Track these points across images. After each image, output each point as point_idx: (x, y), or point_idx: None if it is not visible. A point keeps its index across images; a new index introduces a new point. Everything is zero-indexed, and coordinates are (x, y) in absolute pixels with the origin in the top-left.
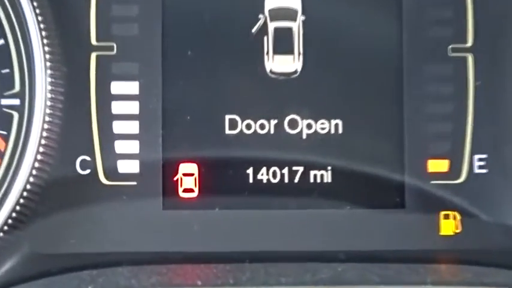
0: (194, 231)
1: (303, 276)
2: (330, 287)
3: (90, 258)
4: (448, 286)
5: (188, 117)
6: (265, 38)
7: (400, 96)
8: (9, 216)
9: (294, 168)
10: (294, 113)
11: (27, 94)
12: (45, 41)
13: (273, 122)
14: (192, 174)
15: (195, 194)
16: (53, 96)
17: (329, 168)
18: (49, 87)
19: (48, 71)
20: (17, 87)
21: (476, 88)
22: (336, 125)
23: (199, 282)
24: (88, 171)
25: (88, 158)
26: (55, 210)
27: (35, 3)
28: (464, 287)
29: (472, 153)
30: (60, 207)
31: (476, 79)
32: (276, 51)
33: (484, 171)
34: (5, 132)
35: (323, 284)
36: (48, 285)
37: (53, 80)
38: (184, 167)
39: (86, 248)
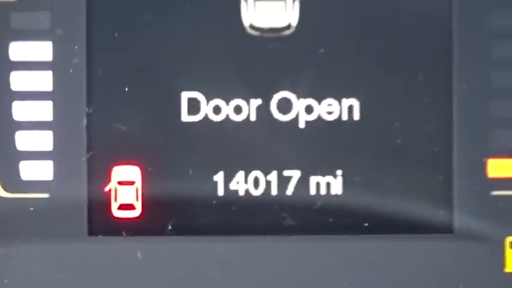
0: (134, 266)
1: None
2: None
3: None
4: None
5: (125, 94)
6: None
7: (448, 66)
8: None
9: (287, 173)
10: (286, 89)
11: None
12: None
13: (255, 102)
14: (132, 183)
15: (136, 213)
16: None
17: (339, 173)
18: None
19: None
20: None
21: None
22: (350, 108)
23: None
24: None
25: None
26: None
27: None
28: None
29: None
30: None
31: None
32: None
33: None
34: None
35: None
36: None
37: None
38: (121, 172)
39: None
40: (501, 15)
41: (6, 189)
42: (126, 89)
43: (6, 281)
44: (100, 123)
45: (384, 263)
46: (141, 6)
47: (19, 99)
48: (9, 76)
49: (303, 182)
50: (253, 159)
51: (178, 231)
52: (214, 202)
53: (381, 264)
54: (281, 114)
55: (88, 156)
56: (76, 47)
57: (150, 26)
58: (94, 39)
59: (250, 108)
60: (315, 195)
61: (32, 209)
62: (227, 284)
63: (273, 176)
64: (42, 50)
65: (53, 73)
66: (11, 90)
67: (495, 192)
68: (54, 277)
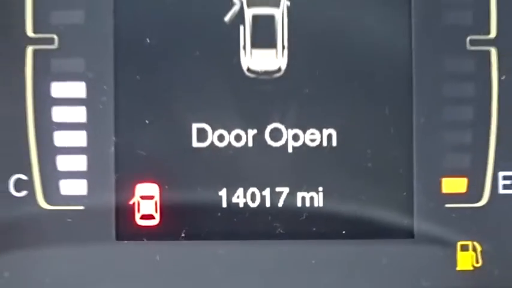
0: (154, 266)
1: None
2: None
3: None
4: None
5: (146, 126)
6: (242, 28)
7: (409, 101)
8: None
9: (278, 189)
10: (277, 121)
11: None
12: None
13: (252, 132)
14: (151, 197)
15: (155, 222)
16: None
17: (320, 189)
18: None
19: None
20: None
21: (500, 88)
22: (329, 136)
23: None
24: (24, 192)
25: (24, 177)
26: None
27: None
28: None
29: (496, 170)
30: None
31: (501, 76)
32: (255, 45)
33: (510, 191)
34: None
35: None
36: None
37: None
38: (143, 188)
39: (23, 283)
40: (451, 61)
41: (48, 202)
42: (147, 121)
43: (47, 280)
44: (125, 149)
45: (358, 263)
46: (159, 55)
47: (59, 129)
48: (51, 110)
49: (291, 197)
50: (250, 178)
51: (189, 236)
52: (219, 213)
53: (355, 264)
54: (273, 142)
55: (116, 176)
56: (105, 87)
57: (167, 70)
58: (120, 81)
59: (248, 137)
60: (301, 207)
61: (69, 220)
62: (228, 278)
63: (267, 192)
64: (78, 89)
65: (86, 108)
66: (52, 121)
67: (448, 205)
68: (87, 274)
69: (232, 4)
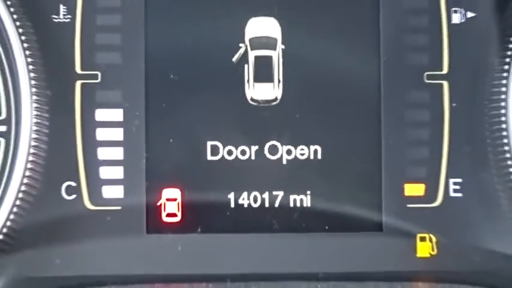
0: (177, 254)
1: None
2: None
3: (75, 281)
4: None
5: (171, 143)
6: (246, 66)
7: (378, 123)
8: None
9: (275, 192)
10: (274, 139)
11: (13, 121)
12: (31, 67)
13: (254, 148)
14: (175, 199)
15: (178, 219)
16: (39, 122)
17: (308, 192)
18: (35, 113)
19: (34, 97)
20: (4, 114)
21: (451, 114)
22: (315, 151)
23: None
24: (73, 196)
25: (73, 184)
26: (41, 235)
27: (20, 30)
28: None
29: (448, 178)
30: (46, 232)
31: (452, 104)
32: (257, 79)
33: (459, 195)
34: None
35: None
36: None
37: (38, 106)
38: (168, 192)
39: (71, 271)
40: (412, 92)
41: (92, 204)
42: (171, 140)
43: (90, 265)
44: (154, 162)
45: (338, 251)
46: (181, 88)
47: (101, 146)
48: (95, 131)
49: (285, 199)
50: (253, 184)
51: (204, 230)
52: (228, 212)
53: (336, 251)
54: (271, 155)
55: (146, 183)
56: (137, 113)
57: (187, 99)
58: (150, 108)
59: (251, 152)
60: (293, 207)
61: (109, 218)
62: (235, 263)
63: (266, 195)
64: (116, 114)
65: (123, 129)
66: (96, 140)
67: (409, 205)
68: (123, 261)
69: (238, 47)
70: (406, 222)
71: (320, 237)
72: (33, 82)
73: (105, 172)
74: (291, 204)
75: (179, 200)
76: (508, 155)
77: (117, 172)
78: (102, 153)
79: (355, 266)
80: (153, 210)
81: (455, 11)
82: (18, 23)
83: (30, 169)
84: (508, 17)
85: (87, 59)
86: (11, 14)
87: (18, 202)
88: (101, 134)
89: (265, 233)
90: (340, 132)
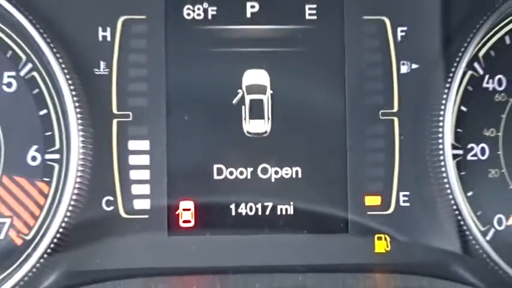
0: (191, 252)
1: (272, 283)
2: None
3: (112, 272)
4: None
5: (186, 166)
6: (243, 107)
7: (344, 150)
8: (52, 243)
9: (265, 203)
10: (265, 163)
11: (64, 150)
12: (77, 109)
13: (250, 169)
14: (189, 209)
15: (191, 224)
16: (84, 152)
17: (291, 203)
18: (81, 145)
19: (80, 133)
20: (57, 145)
21: (400, 143)
22: (297, 171)
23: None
24: (111, 207)
25: (111, 198)
26: (86, 238)
27: (69, 81)
28: None
29: (398, 191)
30: (90, 235)
31: (400, 136)
32: (251, 117)
33: (407, 204)
34: (48, 179)
35: None
36: None
37: (84, 140)
38: (184, 204)
39: (109, 265)
40: (371, 127)
41: (126, 214)
42: (186, 164)
43: (123, 264)
44: (173, 181)
45: (313, 249)
46: (193, 124)
47: (133, 169)
48: (128, 157)
49: (274, 208)
50: (249, 197)
51: (212, 233)
52: (230, 219)
53: (311, 249)
54: (262, 175)
55: (168, 198)
56: (160, 143)
57: (197, 133)
58: (169, 140)
59: (247, 172)
60: (279, 215)
61: (138, 224)
62: (235, 257)
63: (259, 205)
64: (144, 145)
65: (149, 156)
66: (129, 164)
67: (369, 212)
68: (148, 259)
69: (237, 93)
70: (366, 225)
71: (300, 238)
72: (79, 121)
73: (135, 189)
74: (278, 213)
75: (192, 210)
76: (444, 175)
77: (145, 189)
78: (133, 174)
79: (327, 260)
80: (172, 218)
81: (403, 64)
82: (67, 76)
83: (77, 188)
84: (443, 68)
85: (121, 102)
86: (62, 68)
87: (68, 213)
88: (132, 159)
89: (258, 235)
90: (315, 157)
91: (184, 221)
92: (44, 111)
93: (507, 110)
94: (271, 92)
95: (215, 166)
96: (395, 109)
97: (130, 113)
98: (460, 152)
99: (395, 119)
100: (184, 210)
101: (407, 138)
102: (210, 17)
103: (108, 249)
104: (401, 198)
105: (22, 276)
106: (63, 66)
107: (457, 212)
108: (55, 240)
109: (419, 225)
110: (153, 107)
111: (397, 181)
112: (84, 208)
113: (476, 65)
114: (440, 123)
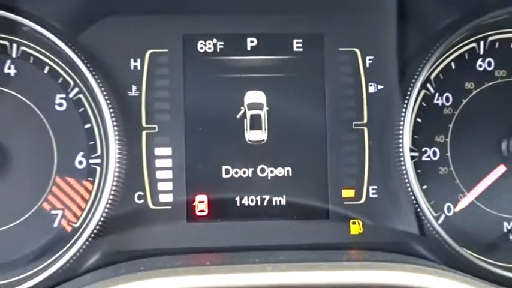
0: (205, 235)
1: (268, 258)
2: (285, 263)
3: (142, 252)
4: (355, 262)
5: (200, 168)
6: (245, 120)
7: (325, 153)
8: (94, 229)
9: (263, 196)
10: (262, 164)
11: (104, 156)
12: (114, 123)
13: (251, 169)
14: (203, 202)
15: (205, 213)
16: (120, 157)
17: (284, 196)
18: (117, 152)
19: (117, 142)
20: (99, 152)
21: (370, 147)
22: (287, 171)
23: (207, 263)
24: (142, 201)
25: (142, 193)
26: (122, 225)
27: (108, 102)
28: (366, 262)
29: (368, 185)
30: (125, 223)
31: (369, 141)
32: (251, 128)
33: (376, 196)
34: (91, 179)
35: (281, 262)
36: (118, 268)
37: (119, 147)
38: (199, 197)
39: (140, 246)
40: (345, 136)
41: (154, 205)
42: (200, 167)
43: (152, 245)
44: (191, 180)
45: (300, 231)
46: (205, 134)
47: (159, 170)
48: (155, 161)
49: (270, 200)
50: (250, 192)
51: (222, 220)
52: (236, 209)
53: (299, 231)
54: (261, 174)
55: (186, 192)
56: (180, 154)
57: (209, 141)
58: (187, 147)
59: (249, 172)
60: (274, 205)
61: (164, 214)
62: (240, 238)
63: (258, 198)
64: (167, 151)
65: (172, 160)
66: (155, 166)
67: (345, 203)
68: (171, 240)
69: (240, 109)
70: (343, 213)
71: (291, 223)
72: (116, 133)
73: (161, 186)
74: (273, 204)
75: (206, 202)
76: (404, 172)
77: (168, 186)
78: (159, 174)
79: (312, 240)
80: (190, 208)
81: (371, 85)
82: (106, 97)
83: (115, 185)
84: (402, 88)
85: (149, 118)
86: (102, 91)
87: (108, 205)
88: (158, 162)
89: (258, 221)
90: (302, 159)
91: (200, 211)
92: (88, 125)
93: (453, 120)
94: (267, 108)
95: (223, 167)
96: (365, 121)
97: (156, 126)
98: (417, 154)
99: (365, 129)
100: (199, 202)
101: (375, 143)
102: (218, 50)
103: (139, 234)
104: (371, 191)
105: (71, 256)
106: (102, 89)
107: (415, 202)
108: (97, 227)
109: (386, 212)
110: (174, 121)
111: (367, 177)
112: (120, 201)
113: (428, 85)
114: (401, 132)
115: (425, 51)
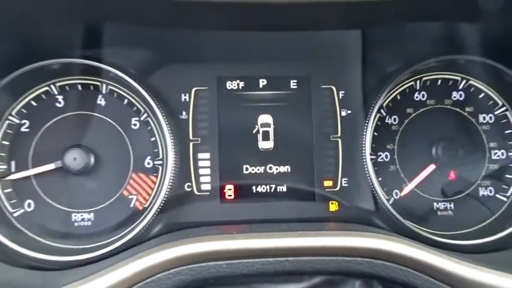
0: (232, 212)
1: (275, 228)
2: (288, 231)
3: (190, 224)
4: (333, 231)
5: (229, 166)
6: (258, 135)
7: (312, 156)
8: (158, 208)
9: (271, 185)
10: (270, 164)
11: (164, 159)
12: (171, 137)
13: (262, 167)
14: (231, 189)
15: (232, 197)
16: (175, 160)
17: (284, 185)
18: (173, 156)
19: (173, 150)
20: (161, 156)
21: (343, 153)
22: (287, 168)
23: (234, 232)
24: (190, 189)
25: (189, 184)
26: (176, 206)
27: (166, 123)
28: (340, 231)
29: (342, 178)
30: (178, 204)
31: (343, 148)
32: (263, 140)
33: (347, 185)
34: (156, 174)
35: (284, 230)
36: (174, 235)
37: (174, 153)
38: (228, 186)
39: (188, 219)
40: (325, 143)
41: (197, 192)
42: (228, 164)
43: (195, 220)
44: (222, 173)
45: (295, 209)
46: (231, 144)
47: (201, 168)
48: (198, 162)
49: (275, 188)
50: (263, 182)
51: (244, 202)
52: (253, 193)
53: (295, 209)
54: (269, 171)
55: (219, 182)
56: (215, 157)
57: (233, 149)
58: (220, 152)
59: (261, 169)
60: (278, 191)
61: (204, 198)
62: (258, 213)
63: (268, 187)
64: (206, 156)
65: (210, 161)
66: (198, 165)
67: (327, 189)
68: (209, 215)
69: (255, 127)
70: (325, 196)
71: (291, 203)
72: (172, 144)
73: (202, 179)
74: (278, 191)
75: (233, 189)
76: (366, 169)
77: (207, 179)
78: (201, 171)
79: (304, 215)
80: (222, 194)
81: (343, 110)
82: (165, 120)
83: (171, 178)
84: (364, 112)
85: (194, 133)
86: (163, 115)
87: (167, 192)
88: (200, 163)
89: (269, 202)
90: (297, 160)
91: (229, 195)
92: (153, 139)
93: (399, 134)
94: (273, 126)
95: (244, 166)
96: (339, 134)
97: (199, 138)
98: (374, 157)
99: (340, 140)
100: (228, 189)
101: (346, 150)
102: (240, 87)
103: (188, 211)
104: (343, 182)
105: (142, 227)
106: (163, 114)
107: (373, 189)
108: (160, 207)
109: (354, 196)
110: (211, 135)
111: (341, 172)
112: (175, 189)
113: (382, 110)
114: (363, 142)
115: (380, 87)
